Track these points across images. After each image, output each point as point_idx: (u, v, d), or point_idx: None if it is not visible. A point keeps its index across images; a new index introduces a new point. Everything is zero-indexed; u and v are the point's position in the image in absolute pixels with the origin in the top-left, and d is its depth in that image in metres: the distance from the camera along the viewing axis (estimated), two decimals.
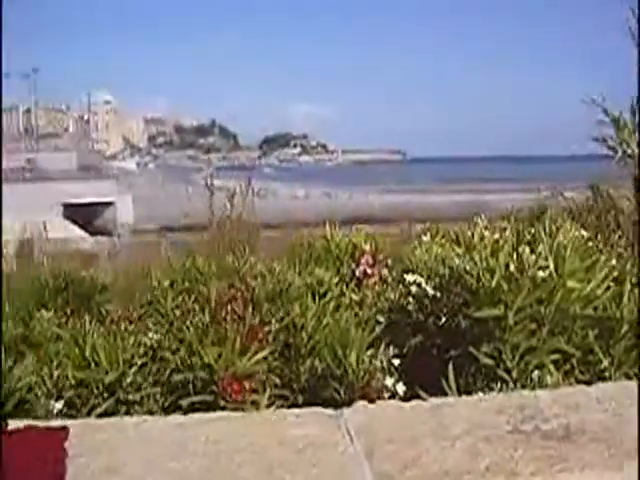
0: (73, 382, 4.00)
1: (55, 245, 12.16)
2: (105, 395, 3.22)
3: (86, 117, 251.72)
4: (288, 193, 51.76)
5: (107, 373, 3.17)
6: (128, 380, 3.11)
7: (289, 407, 3.04)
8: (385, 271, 4.66)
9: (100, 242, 17.47)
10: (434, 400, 2.83)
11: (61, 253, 10.76)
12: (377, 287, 4.47)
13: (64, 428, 2.31)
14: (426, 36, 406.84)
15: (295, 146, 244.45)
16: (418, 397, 2.95)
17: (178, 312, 3.92)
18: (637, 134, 4.30)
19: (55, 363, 4.22)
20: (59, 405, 3.60)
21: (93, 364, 3.31)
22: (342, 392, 3.24)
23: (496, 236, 3.78)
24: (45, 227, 12.05)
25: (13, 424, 2.33)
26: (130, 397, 3.11)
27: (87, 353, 3.47)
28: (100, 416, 3.13)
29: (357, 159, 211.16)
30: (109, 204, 50.45)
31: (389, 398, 3.29)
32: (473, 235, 4.09)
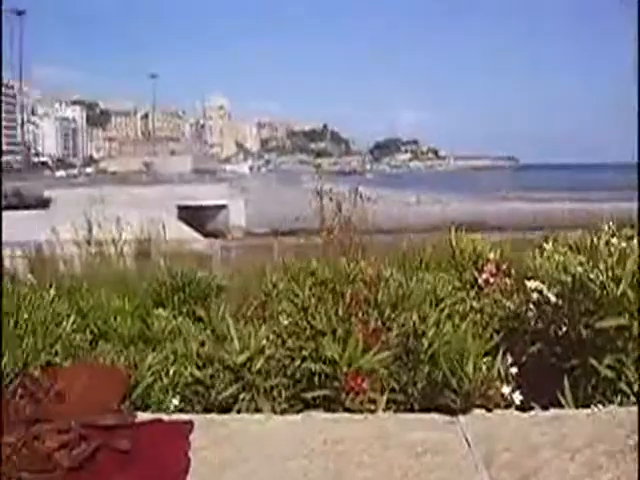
0: (190, 379, 4.09)
1: (170, 246, 12.46)
2: (232, 379, 3.25)
3: (201, 122, 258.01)
4: (399, 199, 51.56)
5: (238, 354, 3.21)
6: (257, 366, 3.13)
7: (405, 412, 3.02)
8: (507, 279, 4.58)
9: (213, 244, 17.81)
10: (553, 411, 2.75)
11: (176, 254, 11.01)
12: (497, 294, 4.39)
13: (189, 422, 2.35)
14: (543, 41, 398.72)
15: (406, 152, 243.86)
16: (534, 407, 2.88)
17: (311, 303, 3.97)
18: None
19: (172, 359, 4.33)
20: (176, 401, 3.66)
21: (224, 345, 3.36)
22: (458, 400, 3.19)
23: (623, 244, 3.65)
24: (163, 228, 12.36)
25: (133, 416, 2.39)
26: (257, 383, 3.13)
27: (218, 332, 3.55)
28: (225, 402, 3.17)
29: (469, 165, 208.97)
30: (222, 207, 51.50)
31: (505, 407, 3.22)
32: (595, 243, 3.97)
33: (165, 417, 2.46)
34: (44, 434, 2.01)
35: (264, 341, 3.33)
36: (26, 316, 4.90)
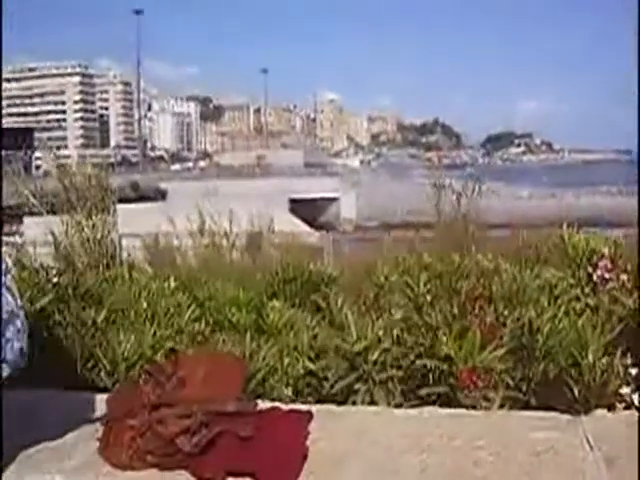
0: (303, 371, 4.13)
1: (282, 238, 12.60)
2: (348, 368, 3.27)
3: (312, 116, 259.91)
4: (511, 193, 50.58)
5: (355, 343, 3.22)
6: (374, 357, 3.14)
7: (520, 409, 2.97)
8: (624, 276, 4.42)
9: (325, 237, 17.91)
10: None
11: (288, 246, 11.11)
12: (614, 292, 4.25)
13: (308, 412, 2.38)
14: None
15: (519, 145, 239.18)
16: None
17: (426, 299, 3.96)
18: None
19: (287, 351, 4.38)
20: (289, 392, 3.70)
21: (342, 334, 3.38)
22: (576, 398, 3.11)
23: None
24: (273, 220, 12.49)
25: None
26: (373, 374, 3.14)
27: (337, 321, 3.58)
28: (340, 392, 3.19)
29: (583, 159, 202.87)
30: (333, 200, 51.76)
31: (625, 408, 3.12)
32: None
33: (284, 406, 2.49)
34: (167, 419, 2.07)
35: (380, 332, 3.33)
36: (145, 305, 5.06)
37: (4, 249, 2.07)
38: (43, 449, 2.33)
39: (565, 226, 5.09)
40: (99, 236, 6.75)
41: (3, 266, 1.99)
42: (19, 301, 1.99)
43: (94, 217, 6.82)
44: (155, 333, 4.35)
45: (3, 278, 1.97)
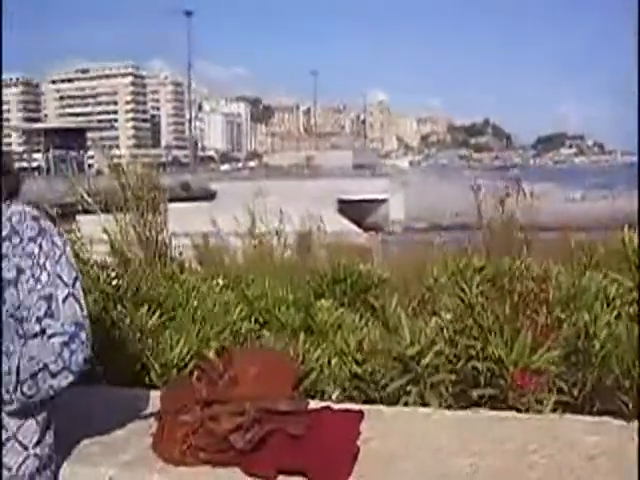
0: (351, 372, 4.13)
1: (331, 239, 12.62)
2: (401, 371, 3.27)
3: (362, 117, 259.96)
4: (563, 195, 49.96)
5: (409, 347, 3.22)
6: (427, 360, 3.13)
7: (572, 413, 2.93)
8: None
9: (373, 237, 17.91)
10: None
11: (336, 246, 11.14)
12: None
13: (359, 411, 2.38)
14: None
15: (570, 146, 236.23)
16: None
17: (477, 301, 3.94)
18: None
19: (336, 351, 4.38)
20: (337, 393, 3.71)
21: (395, 337, 3.38)
22: (630, 405, 3.06)
23: None
24: (322, 221, 12.51)
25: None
26: (425, 377, 3.13)
27: (388, 322, 3.58)
28: (392, 394, 3.19)
29: (634, 160, 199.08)
30: (382, 201, 51.71)
31: None
32: None
33: (335, 406, 2.50)
34: (220, 416, 2.09)
35: (434, 335, 3.32)
36: (196, 304, 5.11)
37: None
38: (97, 443, 2.37)
39: (626, 228, 4.99)
40: (151, 235, 6.83)
41: (72, 276, 2.02)
42: (85, 311, 2.00)
43: (147, 216, 6.91)
44: (203, 331, 4.41)
45: (71, 289, 1.99)
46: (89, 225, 7.18)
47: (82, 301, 2.02)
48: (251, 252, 9.72)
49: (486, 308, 3.58)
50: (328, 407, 2.45)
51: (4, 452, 1.96)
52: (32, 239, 1.98)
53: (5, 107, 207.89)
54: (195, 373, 2.34)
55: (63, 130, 67.33)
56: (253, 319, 5.20)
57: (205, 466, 2.12)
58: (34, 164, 61.25)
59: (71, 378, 1.93)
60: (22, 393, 1.89)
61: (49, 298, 1.96)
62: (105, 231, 6.97)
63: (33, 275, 1.96)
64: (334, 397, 3.51)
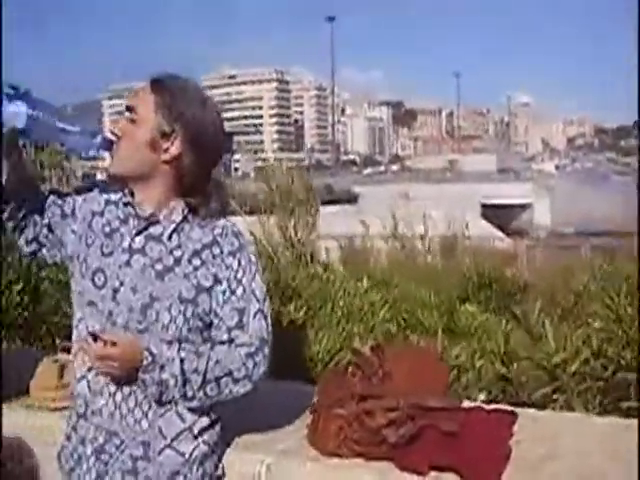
0: (497, 376, 4.11)
1: (474, 243, 12.51)
2: (546, 379, 3.25)
3: (506, 119, 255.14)
4: None
5: (554, 354, 3.20)
6: (572, 368, 3.10)
7: None
8: None
9: (518, 243, 17.58)
10: None
11: (480, 251, 11.04)
12: None
13: (512, 412, 2.39)
14: None
15: None
16: None
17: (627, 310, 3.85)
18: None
19: (480, 354, 4.37)
20: (482, 396, 3.70)
21: (537, 343, 3.37)
22: None
23: None
24: (467, 226, 12.44)
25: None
26: (572, 386, 3.10)
27: (532, 330, 3.56)
28: (537, 400, 3.17)
29: None
30: (526, 206, 50.60)
31: None
32: None
33: (487, 407, 2.52)
34: (375, 410, 2.16)
35: (579, 343, 3.27)
36: (341, 303, 5.21)
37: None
38: (256, 433, 2.49)
39: None
40: (300, 236, 7.00)
41: (264, 293, 2.15)
42: (270, 328, 2.12)
43: (297, 217, 7.08)
44: (348, 329, 4.50)
45: (261, 305, 2.12)
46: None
47: (269, 319, 2.13)
48: (395, 255, 9.80)
49: (634, 318, 3.49)
50: (480, 407, 2.47)
51: (179, 441, 2.10)
52: (232, 253, 2.09)
53: None
54: (350, 368, 2.41)
55: None
56: (396, 321, 5.25)
57: (358, 458, 2.19)
58: None
59: (249, 387, 2.06)
60: (205, 393, 2.03)
61: (242, 311, 2.08)
62: (251, 233, 7.20)
63: (229, 287, 2.08)
64: (481, 398, 3.52)
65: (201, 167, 2.11)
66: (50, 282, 4.78)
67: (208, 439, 2.17)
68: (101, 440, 2.11)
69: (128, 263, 2.09)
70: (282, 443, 2.38)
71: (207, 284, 2.07)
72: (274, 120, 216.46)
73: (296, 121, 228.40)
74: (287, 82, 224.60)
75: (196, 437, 2.13)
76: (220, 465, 2.24)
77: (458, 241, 11.81)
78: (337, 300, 5.14)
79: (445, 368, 2.37)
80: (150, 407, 2.08)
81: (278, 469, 2.25)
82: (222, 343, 2.07)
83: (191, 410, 2.10)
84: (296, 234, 6.98)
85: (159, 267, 2.08)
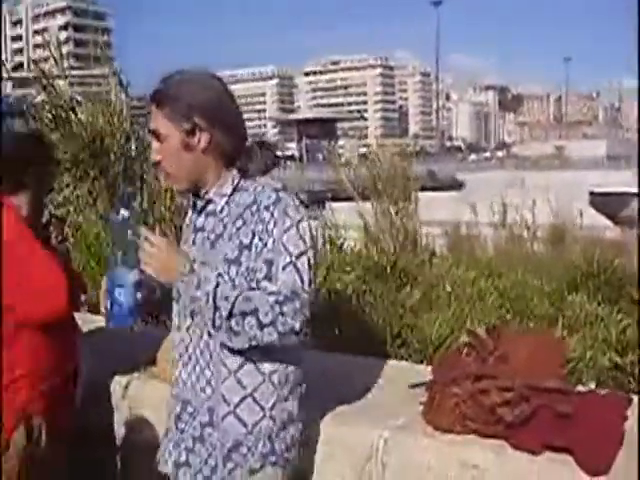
0: (609, 365, 4.09)
1: (583, 232, 12.25)
2: None
3: (616, 104, 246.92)
4: None
5: None
6: None
7: None
8: None
9: (627, 232, 17.09)
10: None
11: (589, 240, 10.81)
12: None
13: (628, 397, 2.41)
14: None
15: None
16: None
17: None
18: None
19: (592, 343, 4.36)
20: (592, 385, 3.70)
21: None
22: None
23: None
24: (581, 214, 12.21)
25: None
26: None
27: None
28: None
29: None
30: (637, 194, 48.89)
31: None
32: None
33: (602, 391, 2.55)
34: (489, 390, 2.23)
35: None
36: (449, 289, 5.27)
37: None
38: (369, 409, 2.60)
39: None
40: (403, 222, 7.06)
41: (300, 248, 2.11)
42: (307, 285, 2.08)
43: (399, 204, 7.14)
44: (458, 314, 4.56)
45: (293, 259, 2.09)
46: (338, 212, 7.49)
47: (305, 275, 2.07)
48: (502, 242, 9.73)
49: None
50: (594, 391, 2.50)
51: (242, 409, 2.14)
52: (267, 207, 2.10)
53: (261, 99, 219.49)
54: (465, 349, 2.48)
55: (315, 120, 69.79)
56: (505, 308, 5.27)
57: (471, 436, 2.27)
58: (288, 152, 64.07)
59: (274, 337, 2.02)
60: (230, 327, 2.03)
61: (270, 263, 2.07)
62: (361, 217, 7.29)
63: (261, 240, 2.09)
64: (591, 386, 3.52)
65: (232, 134, 2.20)
66: None
67: (276, 415, 2.16)
68: (178, 409, 2.25)
69: (193, 242, 2.26)
70: (397, 419, 2.47)
71: (247, 241, 2.12)
72: (378, 106, 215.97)
73: (400, 107, 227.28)
74: (391, 68, 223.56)
75: (262, 409, 2.15)
76: (294, 449, 2.23)
77: (567, 229, 11.61)
78: (445, 285, 5.20)
79: (562, 350, 2.41)
80: (212, 374, 2.16)
81: (395, 443, 2.35)
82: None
83: (249, 376, 2.14)
84: (401, 220, 7.04)
85: (212, 237, 2.20)
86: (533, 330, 3.78)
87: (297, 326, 2.02)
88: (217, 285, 2.06)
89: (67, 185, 6.09)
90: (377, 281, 4.88)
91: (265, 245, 2.09)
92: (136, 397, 3.09)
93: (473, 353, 2.40)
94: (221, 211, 2.21)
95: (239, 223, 2.15)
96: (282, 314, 2.01)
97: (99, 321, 3.83)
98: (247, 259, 2.11)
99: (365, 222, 7.18)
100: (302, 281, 2.07)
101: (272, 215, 2.10)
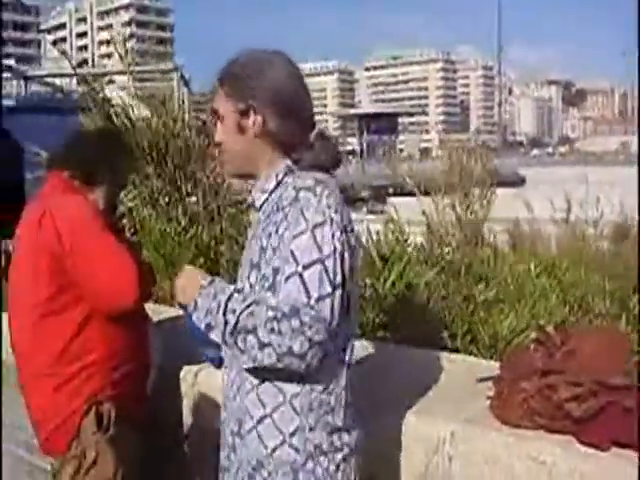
0: None
1: None
2: None
3: None
4: None
5: None
6: None
7: None
8: None
9: None
10: None
11: None
12: None
13: None
14: None
15: None
16: None
17: None
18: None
19: None
20: None
21: None
22: None
23: None
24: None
25: None
26: None
27: None
28: None
29: None
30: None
31: None
32: None
33: None
34: (557, 385, 2.25)
35: None
36: (512, 288, 5.26)
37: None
38: (437, 402, 2.65)
39: None
40: (471, 218, 7.04)
41: (313, 257, 1.85)
42: (313, 301, 1.80)
43: (472, 199, 7.11)
44: (527, 310, 4.56)
45: (300, 269, 1.84)
46: (401, 207, 7.50)
47: (313, 289, 1.81)
48: (565, 240, 9.62)
49: None
50: None
51: (263, 427, 1.94)
52: (283, 208, 1.91)
53: (322, 94, 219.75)
54: (532, 345, 2.51)
55: (376, 115, 69.55)
56: (568, 306, 5.25)
57: (540, 430, 2.30)
58: (349, 148, 64.06)
59: (274, 359, 1.80)
60: (235, 342, 1.84)
61: (276, 271, 1.87)
62: (424, 212, 7.28)
63: (271, 244, 1.91)
64: None
65: (292, 120, 2.02)
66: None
67: (298, 445, 1.91)
68: (222, 415, 2.11)
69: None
70: (464, 412, 2.51)
71: (265, 244, 1.93)
72: (440, 101, 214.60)
73: (462, 102, 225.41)
74: (453, 62, 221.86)
75: (281, 433, 1.91)
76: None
77: (631, 227, 11.42)
78: (513, 282, 5.20)
79: (627, 347, 2.41)
80: (240, 385, 1.99)
81: (462, 436, 2.39)
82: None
83: (268, 394, 1.93)
84: (471, 214, 7.01)
85: (249, 236, 2.10)
86: (598, 327, 3.77)
87: (295, 348, 1.76)
88: (230, 297, 1.87)
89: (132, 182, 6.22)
90: (450, 277, 4.91)
91: (274, 250, 1.89)
92: (206, 385, 3.18)
93: (541, 349, 2.43)
94: (260, 208, 2.05)
95: (264, 223, 1.98)
96: (280, 333, 1.76)
97: (168, 312, 3.98)
98: (265, 264, 1.92)
99: (429, 218, 7.16)
100: (308, 295, 1.80)
101: (286, 217, 1.88)
